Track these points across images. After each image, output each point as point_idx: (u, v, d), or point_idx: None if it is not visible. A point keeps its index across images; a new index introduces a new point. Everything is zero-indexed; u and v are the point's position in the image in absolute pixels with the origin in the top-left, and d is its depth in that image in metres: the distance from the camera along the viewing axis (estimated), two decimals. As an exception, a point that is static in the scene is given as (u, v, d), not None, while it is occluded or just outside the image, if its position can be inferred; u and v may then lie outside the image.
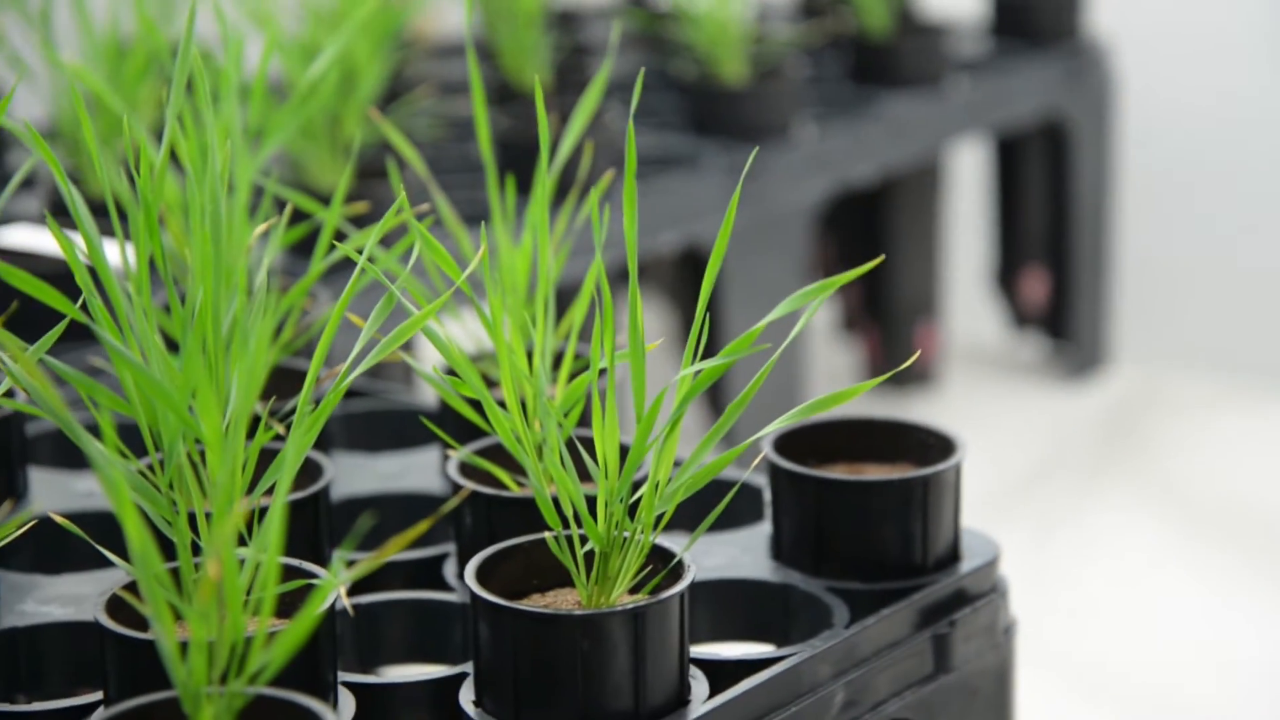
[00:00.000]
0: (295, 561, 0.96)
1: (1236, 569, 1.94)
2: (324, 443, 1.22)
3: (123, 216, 1.38)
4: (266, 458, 1.06)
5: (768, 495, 1.16)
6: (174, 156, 1.20)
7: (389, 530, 1.21)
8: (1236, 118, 2.53)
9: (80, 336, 1.35)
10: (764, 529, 1.14)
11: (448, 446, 1.17)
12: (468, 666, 1.01)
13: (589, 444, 1.11)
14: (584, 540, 0.97)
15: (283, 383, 1.22)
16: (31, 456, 1.27)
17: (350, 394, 1.34)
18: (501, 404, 1.07)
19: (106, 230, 1.38)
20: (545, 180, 1.02)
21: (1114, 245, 2.35)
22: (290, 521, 1.00)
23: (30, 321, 1.10)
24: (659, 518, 0.97)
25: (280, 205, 1.42)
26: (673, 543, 0.99)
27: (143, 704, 0.84)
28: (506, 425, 0.98)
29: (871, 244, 2.27)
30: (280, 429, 1.00)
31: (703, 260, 1.93)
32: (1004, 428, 2.22)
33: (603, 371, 0.96)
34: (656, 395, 0.94)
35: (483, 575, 0.97)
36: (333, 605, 0.93)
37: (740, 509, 1.18)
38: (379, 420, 1.33)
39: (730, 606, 1.09)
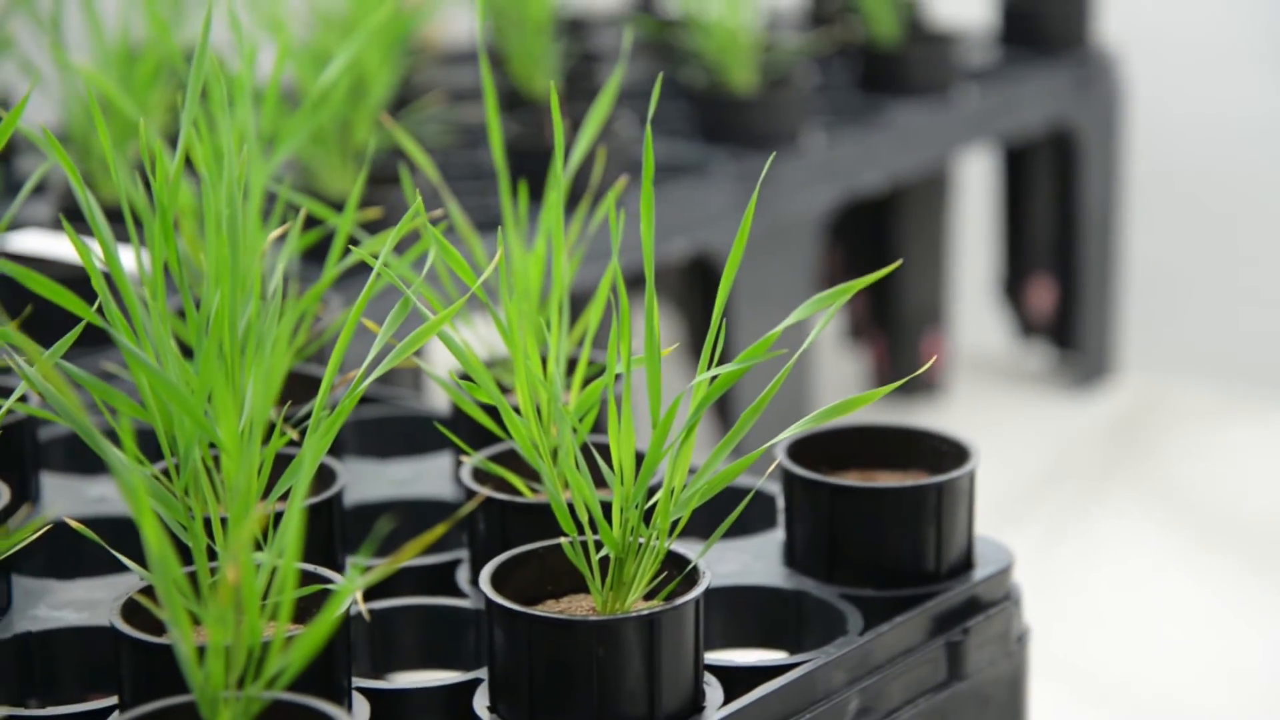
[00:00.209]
0: (310, 566, 0.96)
1: (1242, 576, 1.94)
2: (336, 449, 1.22)
3: (136, 221, 1.38)
4: (280, 463, 1.06)
5: (780, 502, 1.16)
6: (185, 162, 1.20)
7: (401, 536, 1.21)
8: (1244, 127, 2.53)
9: (92, 342, 1.35)
10: (776, 536, 1.14)
11: (461, 452, 1.17)
12: (481, 672, 1.01)
13: (601, 450, 1.11)
14: (599, 546, 0.97)
15: (295, 388, 1.22)
16: (43, 462, 1.27)
17: (361, 400, 1.34)
18: (516, 409, 1.07)
19: (117, 235, 1.39)
20: (560, 182, 1.02)
21: (1121, 254, 2.35)
22: (304, 526, 1.00)
23: (41, 328, 1.10)
24: (674, 523, 0.97)
25: (292, 211, 1.42)
26: (686, 549, 0.99)
27: (160, 708, 0.84)
28: (523, 431, 0.98)
29: (879, 253, 2.27)
30: (294, 434, 1.00)
31: (711, 267, 1.94)
32: (1010, 436, 2.22)
33: (619, 376, 0.96)
34: (671, 401, 0.94)
35: (497, 581, 0.97)
36: (347, 610, 0.93)
37: (752, 516, 1.18)
38: (390, 426, 1.33)
39: (743, 613, 1.09)
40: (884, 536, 1.07)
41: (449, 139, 1.91)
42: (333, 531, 1.08)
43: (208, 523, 0.96)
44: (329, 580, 0.95)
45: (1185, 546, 2.00)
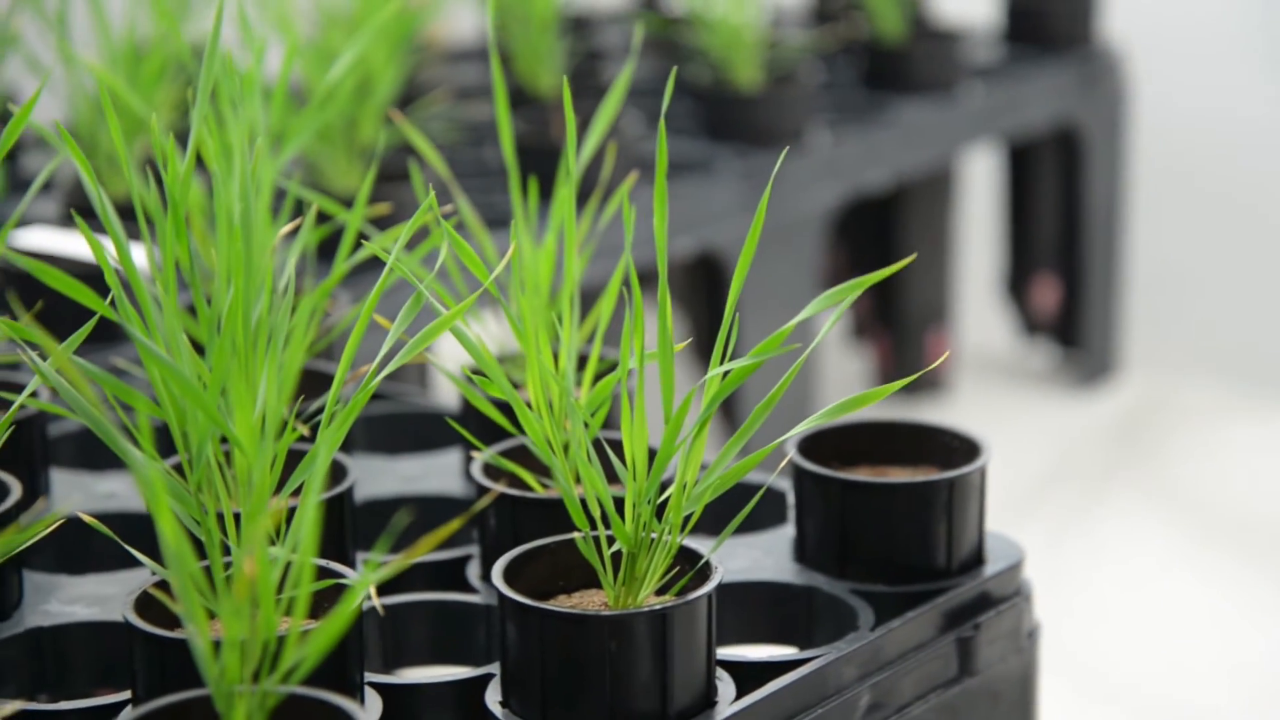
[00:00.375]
0: (324, 562, 0.96)
1: (1246, 575, 1.94)
2: (345, 445, 1.22)
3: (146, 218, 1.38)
4: (291, 459, 1.06)
5: (790, 498, 1.16)
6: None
7: (411, 532, 1.21)
8: (1249, 125, 2.53)
9: (101, 340, 1.36)
10: (786, 532, 1.14)
11: (470, 448, 1.17)
12: (493, 667, 1.01)
13: (612, 446, 1.11)
14: (611, 541, 0.97)
15: (305, 385, 1.22)
16: (52, 458, 1.27)
17: (370, 397, 1.34)
18: (527, 405, 1.07)
19: (125, 232, 1.38)
20: (572, 177, 1.02)
21: (1125, 253, 2.35)
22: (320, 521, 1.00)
23: (50, 325, 1.10)
24: (686, 519, 0.97)
25: (299, 209, 1.42)
26: (697, 545, 0.99)
27: (176, 701, 0.84)
28: (536, 426, 0.98)
29: (883, 251, 2.27)
30: (305, 430, 1.00)
31: (716, 265, 1.94)
32: (1014, 435, 2.22)
33: (631, 371, 0.97)
34: (684, 397, 0.94)
35: (510, 576, 0.97)
36: (360, 605, 0.93)
37: (762, 513, 1.18)
38: (399, 423, 1.33)
39: (754, 609, 1.09)
40: (895, 532, 1.08)
41: (453, 137, 1.91)
42: (344, 527, 1.08)
43: (220, 518, 0.96)
44: (342, 575, 0.95)
45: (1189, 545, 2.00)
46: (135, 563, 1.12)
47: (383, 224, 1.51)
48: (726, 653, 1.02)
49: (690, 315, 2.27)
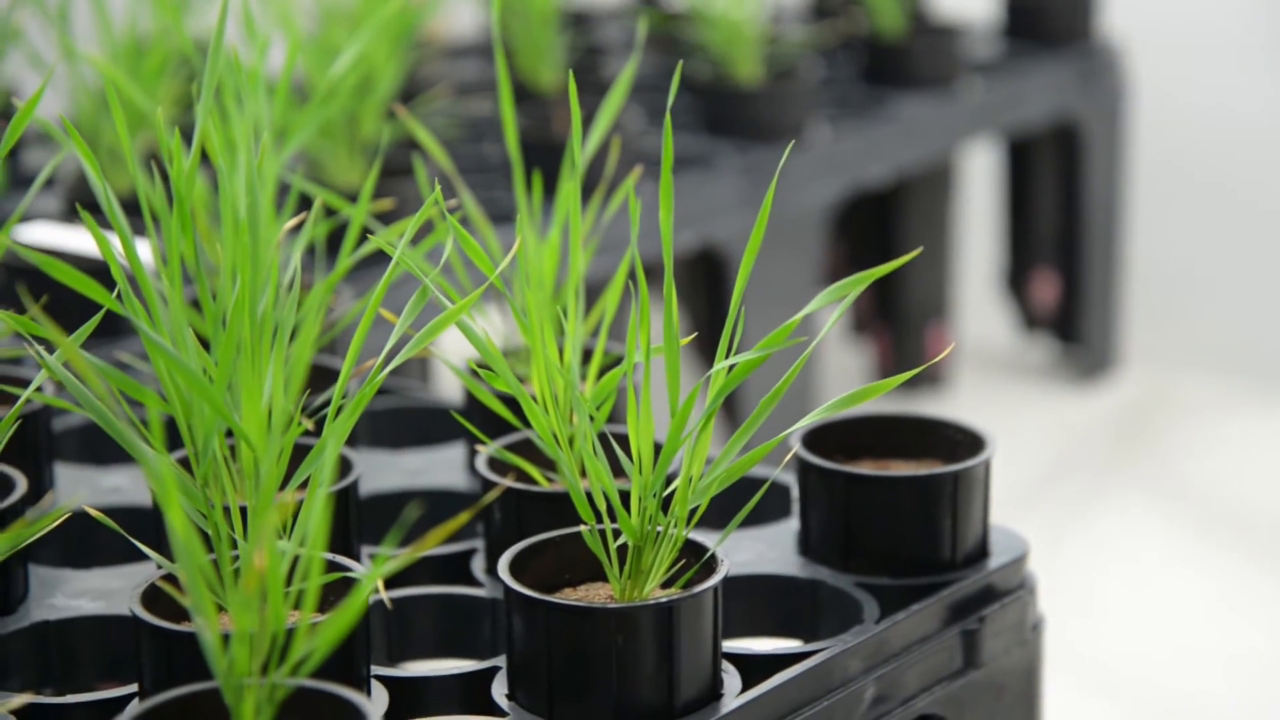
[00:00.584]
0: (330, 555, 0.97)
1: (1247, 570, 1.94)
2: (350, 439, 1.23)
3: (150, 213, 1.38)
4: (297, 454, 1.06)
5: (794, 492, 1.16)
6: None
7: (416, 527, 1.21)
8: (1248, 121, 2.53)
9: (104, 335, 1.36)
10: (790, 526, 1.14)
11: (474, 443, 1.17)
12: (498, 660, 1.02)
13: (617, 439, 1.11)
14: (617, 534, 0.98)
15: (310, 379, 1.22)
16: (57, 452, 1.27)
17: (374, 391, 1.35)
18: (533, 398, 1.07)
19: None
20: (578, 170, 1.02)
21: (1125, 248, 2.35)
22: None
23: (54, 321, 1.10)
24: (692, 512, 0.97)
25: (303, 204, 1.42)
26: (703, 538, 1.00)
27: (184, 694, 0.84)
28: (542, 419, 0.98)
29: (883, 246, 2.27)
30: (310, 425, 1.01)
31: (717, 260, 1.94)
32: (1014, 430, 2.22)
33: (637, 365, 0.97)
34: (689, 391, 0.94)
35: (516, 569, 0.98)
36: (367, 599, 0.93)
37: (766, 506, 1.18)
38: (403, 417, 1.34)
39: (759, 602, 1.10)
40: (900, 525, 1.08)
41: (454, 132, 1.92)
42: (349, 520, 1.08)
43: (226, 512, 0.97)
44: (350, 569, 0.96)
45: (1189, 539, 2.00)
46: (140, 557, 1.12)
47: (386, 219, 1.51)
48: (732, 646, 1.02)
49: (691, 310, 2.27)
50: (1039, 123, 2.21)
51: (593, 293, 1.73)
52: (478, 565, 1.13)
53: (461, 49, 2.29)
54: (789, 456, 1.08)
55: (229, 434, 1.01)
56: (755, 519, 1.17)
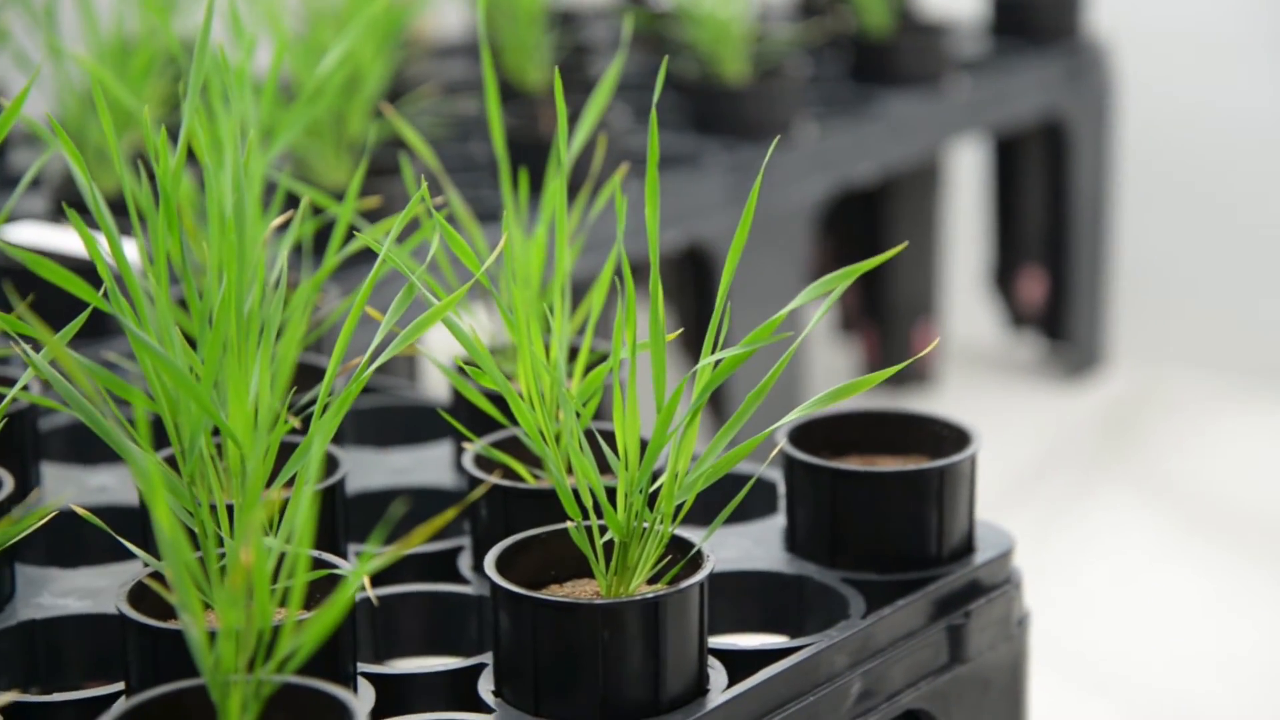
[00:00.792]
0: (316, 552, 0.97)
1: (1233, 565, 1.95)
2: (336, 437, 1.23)
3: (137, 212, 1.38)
4: (284, 452, 1.06)
5: (780, 488, 1.17)
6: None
7: (402, 524, 1.21)
8: (1234, 118, 2.53)
9: (91, 334, 1.36)
10: (777, 522, 1.15)
11: (460, 441, 1.17)
12: (485, 657, 1.02)
13: (604, 436, 1.11)
14: (603, 530, 0.98)
15: (297, 377, 1.22)
16: (43, 452, 1.27)
17: (361, 390, 1.35)
18: (519, 396, 1.07)
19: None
20: (564, 168, 1.02)
21: (1112, 245, 2.35)
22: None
23: (40, 320, 1.10)
24: (678, 508, 0.97)
25: (290, 203, 1.43)
26: (689, 534, 1.00)
27: (170, 691, 0.84)
28: (528, 416, 0.99)
29: (871, 243, 2.27)
30: (297, 423, 1.01)
31: (704, 258, 1.94)
32: (1002, 427, 2.22)
33: (623, 361, 0.97)
34: (675, 387, 0.94)
35: (502, 566, 0.98)
36: (353, 596, 0.93)
37: (752, 503, 1.19)
38: (389, 416, 1.34)
39: (745, 598, 1.10)
40: (886, 521, 1.08)
41: (441, 131, 1.92)
42: (336, 518, 1.09)
43: (213, 509, 0.97)
44: (336, 566, 0.96)
45: (1177, 536, 2.00)
46: (127, 556, 1.12)
47: (372, 218, 1.52)
48: (718, 642, 1.02)
49: (678, 308, 2.27)
50: (1026, 120, 2.21)
51: (581, 290, 1.73)
52: (465, 563, 1.13)
53: (449, 48, 2.29)
54: (774, 452, 1.08)
55: (216, 432, 1.01)
56: (742, 515, 1.17)
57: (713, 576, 1.08)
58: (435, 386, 1.96)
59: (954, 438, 1.12)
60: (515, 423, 1.06)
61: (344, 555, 1.10)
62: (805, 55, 2.13)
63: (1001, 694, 1.11)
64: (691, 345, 2.16)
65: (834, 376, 2.35)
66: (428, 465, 1.25)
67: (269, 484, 0.98)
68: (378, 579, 1.11)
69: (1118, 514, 2.04)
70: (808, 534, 1.10)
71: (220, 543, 0.96)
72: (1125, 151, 2.43)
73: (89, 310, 0.97)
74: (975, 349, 2.44)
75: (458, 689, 1.02)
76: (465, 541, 1.14)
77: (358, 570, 0.83)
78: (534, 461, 1.11)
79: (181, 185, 1.22)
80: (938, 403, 2.29)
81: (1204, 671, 1.77)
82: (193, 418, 0.94)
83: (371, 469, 1.25)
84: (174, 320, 0.96)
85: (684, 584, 0.96)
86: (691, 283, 2.16)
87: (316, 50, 1.66)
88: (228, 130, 1.00)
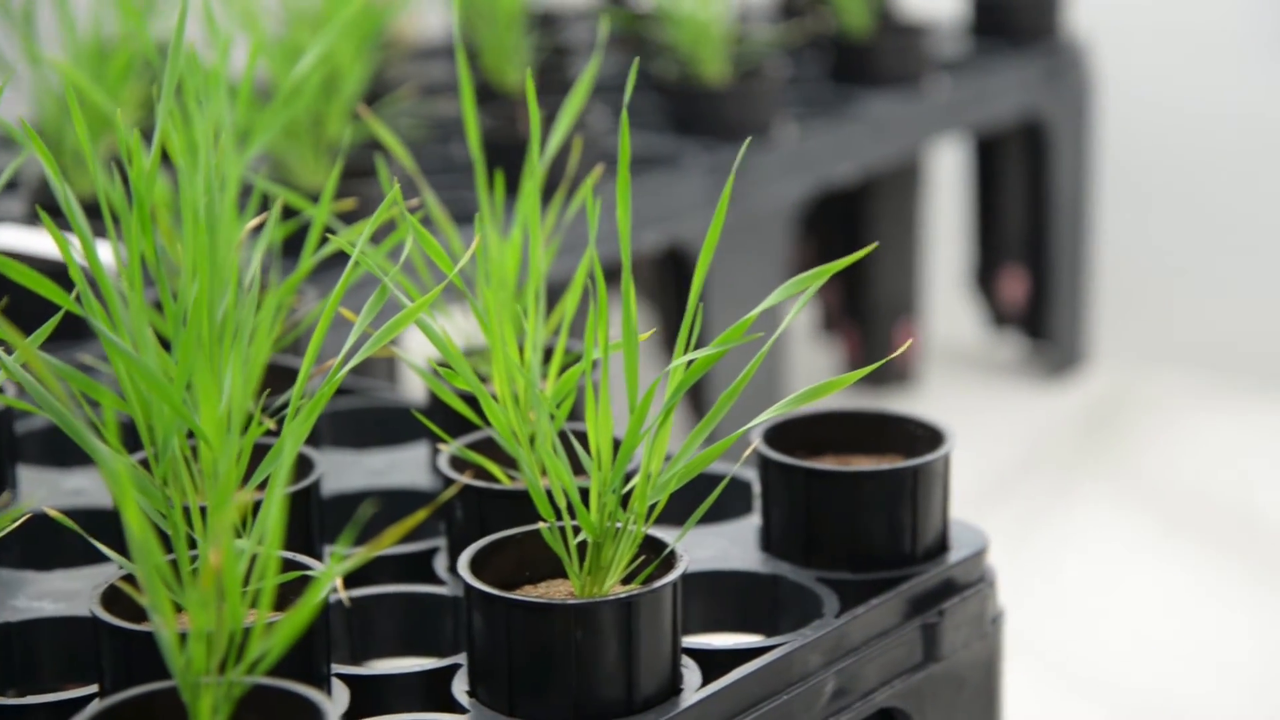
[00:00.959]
0: (289, 554, 0.97)
1: (1213, 564, 1.95)
2: (311, 439, 1.23)
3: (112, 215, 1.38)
4: (258, 453, 1.06)
5: (756, 488, 1.17)
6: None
7: (378, 525, 1.21)
8: (1214, 117, 2.54)
9: (68, 336, 1.36)
10: (752, 522, 1.15)
11: (436, 443, 1.17)
12: (460, 658, 1.02)
13: (578, 437, 1.11)
14: (577, 531, 0.98)
15: (271, 379, 1.22)
16: (19, 455, 1.27)
17: (337, 391, 1.35)
18: (493, 397, 1.07)
19: (91, 229, 1.38)
20: (537, 171, 1.02)
21: (1092, 245, 2.36)
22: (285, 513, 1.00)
23: (14, 323, 1.10)
24: (651, 508, 0.97)
25: (265, 204, 1.42)
26: (663, 534, 1.00)
27: (141, 693, 0.84)
28: (501, 417, 0.99)
29: (851, 244, 2.27)
30: (271, 424, 1.01)
31: (684, 259, 1.94)
32: (983, 427, 2.23)
33: (596, 362, 0.97)
34: (648, 387, 0.94)
35: (476, 566, 0.98)
36: (327, 597, 0.94)
37: (727, 502, 1.19)
38: (365, 417, 1.34)
39: (720, 598, 1.10)
40: (860, 520, 1.08)
41: (420, 133, 1.92)
42: (310, 520, 1.09)
43: (186, 512, 0.97)
44: (308, 567, 0.96)
45: (1157, 534, 2.01)
46: (102, 559, 1.12)
47: (349, 219, 1.52)
48: (692, 641, 1.03)
49: (660, 310, 2.27)
50: (1006, 120, 2.22)
51: (557, 292, 1.73)
52: (440, 564, 1.13)
53: (429, 50, 2.29)
54: (748, 452, 1.09)
55: (190, 435, 1.01)
56: (717, 515, 1.17)
57: (687, 576, 1.08)
58: (414, 388, 1.96)
59: (928, 437, 1.12)
60: (490, 424, 1.06)
61: (319, 557, 1.10)
62: (785, 56, 2.13)
63: (976, 692, 1.11)
64: (672, 347, 2.16)
65: (815, 376, 2.35)
66: (404, 467, 1.25)
67: (243, 486, 0.98)
68: (354, 580, 1.11)
69: (1098, 512, 2.05)
70: (782, 533, 1.10)
71: (193, 545, 0.96)
72: (1105, 151, 2.44)
73: (61, 313, 0.97)
74: (956, 348, 2.44)
75: (433, 689, 1.02)
76: (441, 542, 1.14)
77: (328, 571, 0.83)
78: (509, 462, 1.11)
79: (157, 187, 1.22)
80: (919, 402, 2.30)
81: (1183, 669, 1.77)
82: (165, 420, 0.94)
83: (348, 470, 1.25)
84: (148, 322, 0.96)
85: (657, 584, 0.96)
86: (673, 284, 2.17)
87: (294, 51, 1.66)
88: (202, 132, 1.00)
